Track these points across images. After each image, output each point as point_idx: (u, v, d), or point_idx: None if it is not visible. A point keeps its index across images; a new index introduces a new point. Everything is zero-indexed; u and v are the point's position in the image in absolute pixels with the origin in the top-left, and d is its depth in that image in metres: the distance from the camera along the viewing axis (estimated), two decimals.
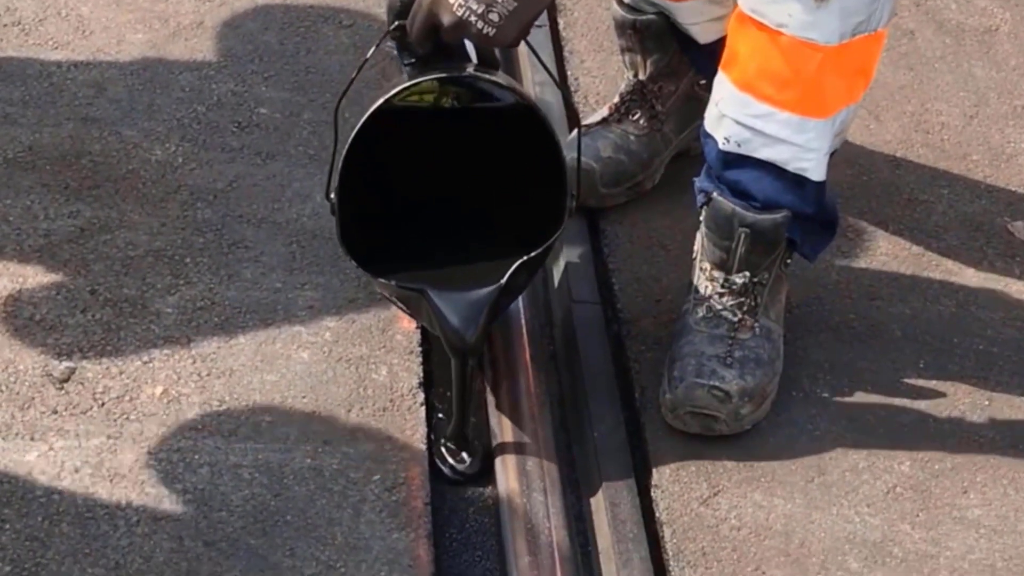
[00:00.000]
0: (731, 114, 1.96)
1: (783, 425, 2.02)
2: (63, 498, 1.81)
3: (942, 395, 2.09)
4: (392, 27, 1.87)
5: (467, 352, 1.87)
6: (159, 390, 1.96)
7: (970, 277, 2.27)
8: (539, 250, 1.88)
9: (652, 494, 1.94)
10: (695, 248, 2.07)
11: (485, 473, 1.96)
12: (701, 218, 2.04)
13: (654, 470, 1.95)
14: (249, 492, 1.85)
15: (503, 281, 1.86)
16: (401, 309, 2.02)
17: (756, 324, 2.02)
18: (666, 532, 1.88)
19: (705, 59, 2.23)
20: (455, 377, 1.90)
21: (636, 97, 2.32)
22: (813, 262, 2.12)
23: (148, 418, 1.92)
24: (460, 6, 1.78)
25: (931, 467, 1.99)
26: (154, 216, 2.21)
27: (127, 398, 1.95)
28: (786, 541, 1.88)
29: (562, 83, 2.54)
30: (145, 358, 2.00)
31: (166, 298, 2.09)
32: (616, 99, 2.34)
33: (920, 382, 2.10)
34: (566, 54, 2.61)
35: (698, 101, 2.27)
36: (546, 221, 1.90)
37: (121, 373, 1.98)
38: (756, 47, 1.92)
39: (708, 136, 2.02)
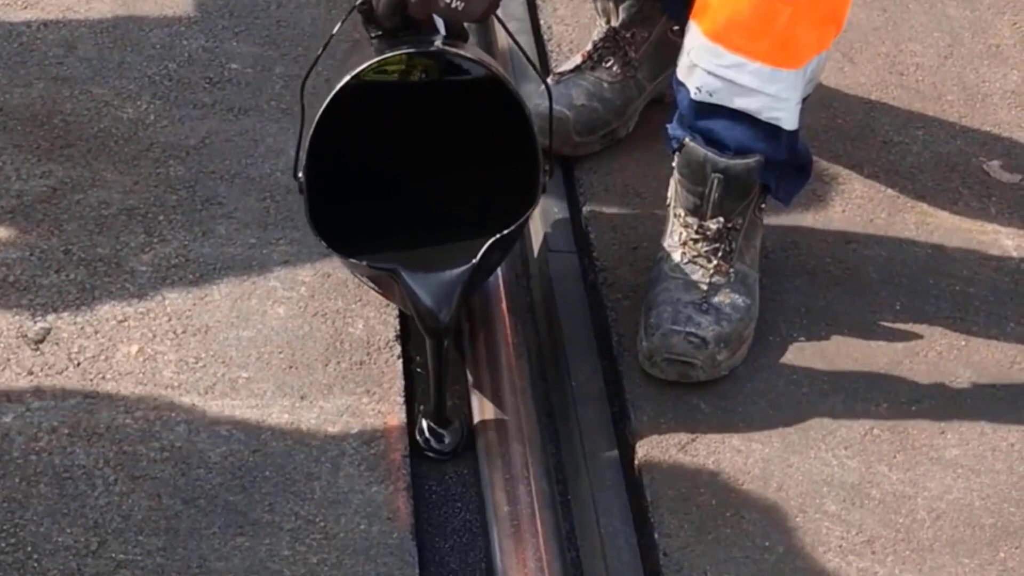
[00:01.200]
0: (702, 64, 1.95)
1: (760, 370, 2.02)
2: (40, 459, 1.81)
3: (918, 337, 2.09)
4: (358, 3, 1.83)
5: (441, 332, 1.84)
6: (135, 349, 1.96)
7: (945, 218, 2.27)
8: (512, 227, 1.85)
9: (630, 441, 1.94)
10: (668, 195, 2.07)
11: (465, 451, 1.94)
12: (674, 164, 2.03)
13: (632, 417, 1.95)
14: (227, 449, 1.85)
15: (476, 260, 1.83)
16: (372, 289, 1.99)
17: (731, 269, 2.01)
18: (645, 479, 1.88)
19: (677, 4, 2.20)
20: (431, 358, 1.87)
21: (609, 44, 2.30)
22: (788, 205, 2.12)
23: (124, 377, 1.92)
24: None
25: (908, 409, 1.99)
26: (127, 174, 2.20)
27: (103, 357, 1.94)
28: (764, 485, 1.88)
29: (534, 31, 2.52)
30: (120, 317, 2.00)
31: (140, 256, 2.08)
32: (589, 47, 2.32)
33: (896, 324, 2.10)
34: (538, 2, 2.59)
35: (671, 47, 2.26)
36: (519, 196, 1.88)
37: (96, 332, 1.97)
38: None
39: (680, 84, 2.00)
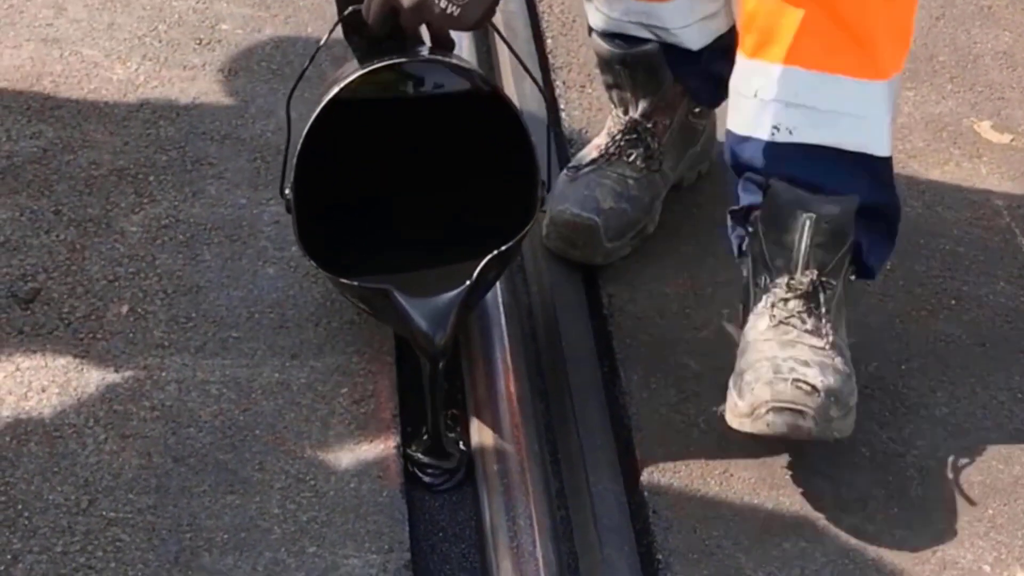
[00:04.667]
0: (778, 96, 1.79)
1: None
2: (31, 418, 1.81)
3: (909, 296, 2.09)
4: (346, 12, 1.76)
5: (437, 355, 1.77)
6: (125, 308, 1.96)
7: (936, 178, 2.27)
8: (509, 244, 1.78)
9: (620, 401, 1.94)
10: (744, 274, 1.88)
11: (464, 478, 1.86)
12: (745, 248, 1.86)
13: (622, 376, 1.96)
14: (217, 408, 1.85)
15: (472, 280, 1.76)
16: (364, 310, 1.91)
17: (829, 334, 1.80)
18: (635, 437, 1.89)
19: (699, 79, 2.11)
20: (427, 380, 1.80)
21: (630, 137, 2.12)
22: (874, 278, 1.94)
23: (115, 336, 1.92)
24: None
25: (899, 367, 2.00)
26: (117, 135, 2.20)
27: (93, 317, 1.94)
28: (754, 443, 1.88)
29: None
30: (111, 277, 2.00)
31: (130, 216, 2.08)
32: (605, 139, 2.14)
33: (887, 283, 2.10)
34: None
35: (692, 130, 2.16)
36: (516, 211, 1.81)
37: (87, 292, 1.97)
38: (795, 15, 1.76)
39: (745, 140, 1.84)
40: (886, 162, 1.84)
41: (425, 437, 1.86)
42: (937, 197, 2.24)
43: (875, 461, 1.88)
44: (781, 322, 1.80)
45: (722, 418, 1.88)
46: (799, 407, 1.73)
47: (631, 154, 2.11)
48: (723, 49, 2.09)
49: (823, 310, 1.80)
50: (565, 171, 2.12)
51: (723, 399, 1.91)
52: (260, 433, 1.83)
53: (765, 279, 1.83)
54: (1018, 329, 2.06)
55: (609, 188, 2.09)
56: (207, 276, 2.01)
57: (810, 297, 1.81)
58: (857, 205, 1.82)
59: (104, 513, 1.72)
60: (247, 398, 1.87)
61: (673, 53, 2.10)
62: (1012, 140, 2.36)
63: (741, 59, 1.82)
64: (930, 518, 1.82)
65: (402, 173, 1.94)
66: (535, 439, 1.88)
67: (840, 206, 1.81)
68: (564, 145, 2.31)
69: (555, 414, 1.97)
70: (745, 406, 1.75)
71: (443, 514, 1.84)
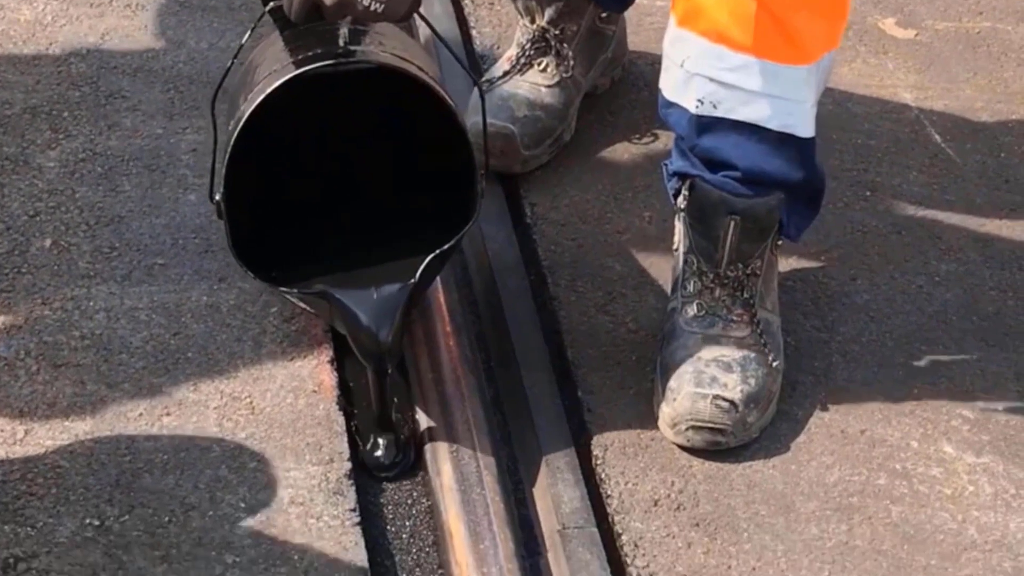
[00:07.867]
0: (703, 71, 1.76)
1: (671, 226, 2.03)
2: None
3: (826, 188, 2.12)
4: (267, 8, 1.73)
5: (384, 355, 1.70)
6: (48, 242, 1.95)
7: (845, 75, 2.31)
8: (451, 242, 1.72)
9: (549, 306, 1.96)
10: (675, 239, 1.89)
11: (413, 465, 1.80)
12: (680, 206, 1.85)
13: (550, 282, 1.98)
14: (148, 333, 1.85)
15: (416, 278, 1.70)
16: (309, 312, 1.86)
17: (755, 319, 1.83)
18: (566, 340, 1.91)
19: None
20: (374, 392, 1.75)
21: (539, 45, 2.13)
22: (797, 240, 1.92)
23: (39, 270, 1.91)
24: None
25: (819, 258, 2.03)
26: (28, 74, 2.18)
27: (16, 252, 1.93)
28: None
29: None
30: (31, 212, 1.99)
31: (47, 153, 2.07)
32: (515, 50, 2.15)
33: None
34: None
35: (600, 36, 2.17)
36: (457, 200, 1.76)
37: (8, 229, 1.96)
38: None
39: (672, 105, 1.81)
40: (808, 142, 1.82)
41: (375, 443, 1.79)
42: (846, 94, 2.28)
43: (800, 349, 1.91)
44: (708, 311, 1.82)
45: (649, 316, 1.92)
46: (718, 425, 1.77)
47: (542, 62, 2.13)
48: None
49: (750, 294, 1.83)
50: (479, 86, 2.13)
51: (648, 298, 1.96)
52: (192, 355, 1.83)
53: (695, 261, 1.84)
54: (931, 215, 2.11)
55: (522, 98, 2.10)
56: (128, 206, 2.01)
57: (736, 287, 1.83)
58: (782, 201, 1.82)
59: (42, 441, 1.72)
60: (177, 322, 1.87)
61: None
62: (916, 35, 2.40)
63: (672, 24, 1.80)
64: (857, 400, 1.86)
65: (333, 166, 1.88)
66: (468, 347, 1.90)
67: (764, 206, 1.81)
68: (477, 63, 2.32)
69: (486, 322, 1.99)
70: (668, 416, 1.78)
71: None
